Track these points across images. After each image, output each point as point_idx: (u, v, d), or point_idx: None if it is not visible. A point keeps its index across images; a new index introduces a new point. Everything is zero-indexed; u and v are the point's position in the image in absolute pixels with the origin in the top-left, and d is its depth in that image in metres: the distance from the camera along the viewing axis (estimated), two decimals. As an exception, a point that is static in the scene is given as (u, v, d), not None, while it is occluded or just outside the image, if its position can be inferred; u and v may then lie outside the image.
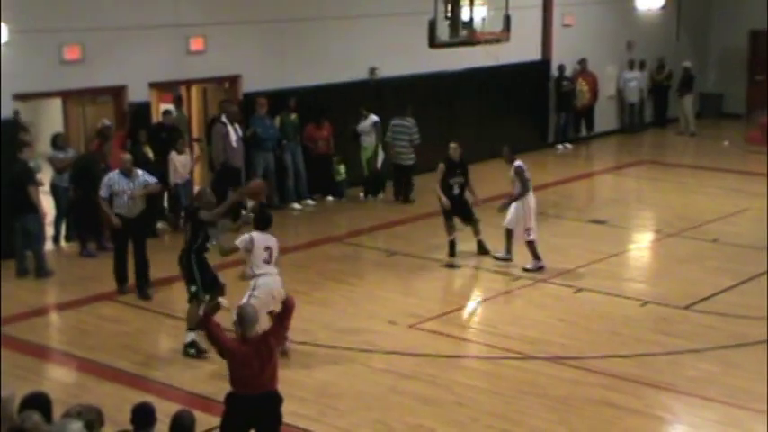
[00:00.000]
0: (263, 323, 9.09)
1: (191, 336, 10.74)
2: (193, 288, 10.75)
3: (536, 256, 13.55)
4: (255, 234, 10.44)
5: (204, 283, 10.79)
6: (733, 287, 12.99)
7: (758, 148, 22.21)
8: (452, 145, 14.19)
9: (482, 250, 14.19)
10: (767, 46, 25.34)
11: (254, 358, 7.47)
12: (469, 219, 14.21)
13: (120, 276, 12.85)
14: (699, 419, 9.51)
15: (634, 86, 24.42)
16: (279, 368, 7.73)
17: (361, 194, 17.97)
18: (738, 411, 9.45)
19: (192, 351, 10.70)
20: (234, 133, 15.85)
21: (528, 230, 13.54)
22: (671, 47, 25.29)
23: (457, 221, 14.14)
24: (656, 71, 24.99)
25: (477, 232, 14.22)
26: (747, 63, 26.13)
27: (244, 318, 7.56)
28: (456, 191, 14.02)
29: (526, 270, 13.48)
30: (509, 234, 13.74)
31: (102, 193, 12.65)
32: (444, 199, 13.84)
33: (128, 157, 12.95)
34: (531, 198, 13.68)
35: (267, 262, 10.34)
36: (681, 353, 10.83)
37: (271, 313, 9.94)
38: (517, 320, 12.00)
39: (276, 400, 7.68)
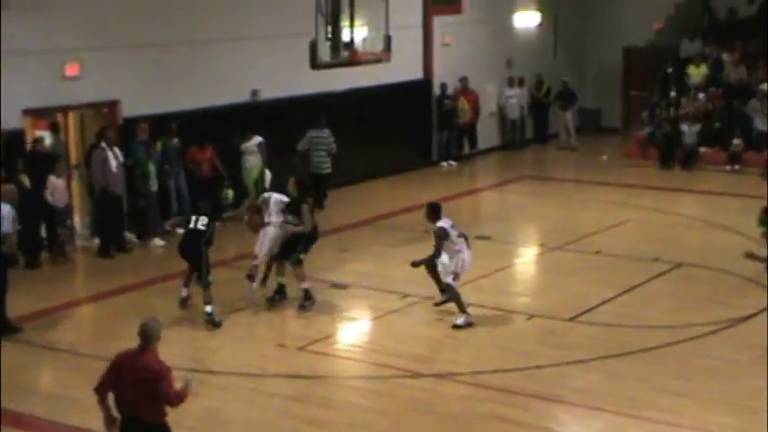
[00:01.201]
0: None
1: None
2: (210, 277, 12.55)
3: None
4: None
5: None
6: (615, 297, 13.28)
7: (634, 162, 22.89)
8: (291, 179, 13.43)
9: (305, 302, 12.91)
10: (641, 61, 26.16)
11: (133, 367, 7.34)
12: (289, 257, 13.08)
13: None
14: (586, 429, 9.67)
15: (514, 103, 24.89)
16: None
17: (246, 217, 17.74)
18: (623, 419, 9.62)
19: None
20: (114, 159, 15.56)
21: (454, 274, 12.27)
22: (549, 63, 25.87)
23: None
24: (535, 88, 25.53)
25: (301, 279, 12.96)
26: (622, 78, 26.91)
27: (144, 331, 7.45)
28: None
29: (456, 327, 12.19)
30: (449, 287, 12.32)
31: (5, 226, 11.72)
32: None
33: (11, 187, 12.27)
34: (466, 253, 12.36)
35: None
36: (567, 364, 10.99)
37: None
38: (406, 338, 12.02)
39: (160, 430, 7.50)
